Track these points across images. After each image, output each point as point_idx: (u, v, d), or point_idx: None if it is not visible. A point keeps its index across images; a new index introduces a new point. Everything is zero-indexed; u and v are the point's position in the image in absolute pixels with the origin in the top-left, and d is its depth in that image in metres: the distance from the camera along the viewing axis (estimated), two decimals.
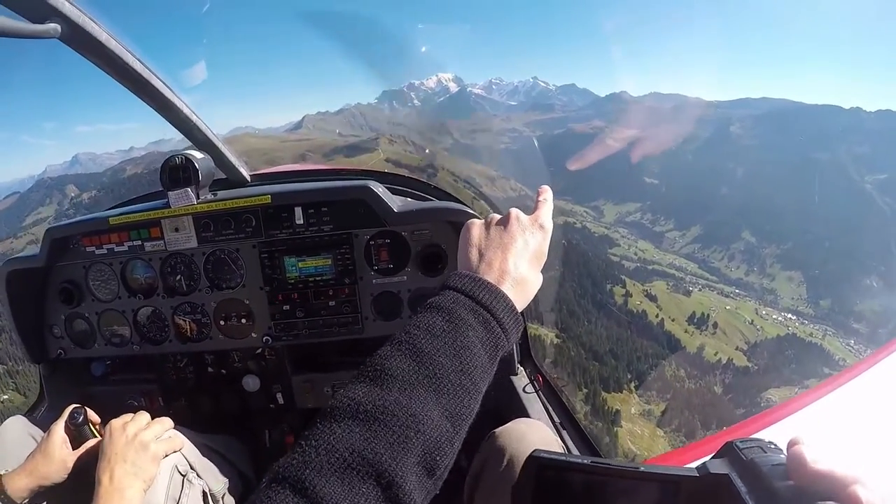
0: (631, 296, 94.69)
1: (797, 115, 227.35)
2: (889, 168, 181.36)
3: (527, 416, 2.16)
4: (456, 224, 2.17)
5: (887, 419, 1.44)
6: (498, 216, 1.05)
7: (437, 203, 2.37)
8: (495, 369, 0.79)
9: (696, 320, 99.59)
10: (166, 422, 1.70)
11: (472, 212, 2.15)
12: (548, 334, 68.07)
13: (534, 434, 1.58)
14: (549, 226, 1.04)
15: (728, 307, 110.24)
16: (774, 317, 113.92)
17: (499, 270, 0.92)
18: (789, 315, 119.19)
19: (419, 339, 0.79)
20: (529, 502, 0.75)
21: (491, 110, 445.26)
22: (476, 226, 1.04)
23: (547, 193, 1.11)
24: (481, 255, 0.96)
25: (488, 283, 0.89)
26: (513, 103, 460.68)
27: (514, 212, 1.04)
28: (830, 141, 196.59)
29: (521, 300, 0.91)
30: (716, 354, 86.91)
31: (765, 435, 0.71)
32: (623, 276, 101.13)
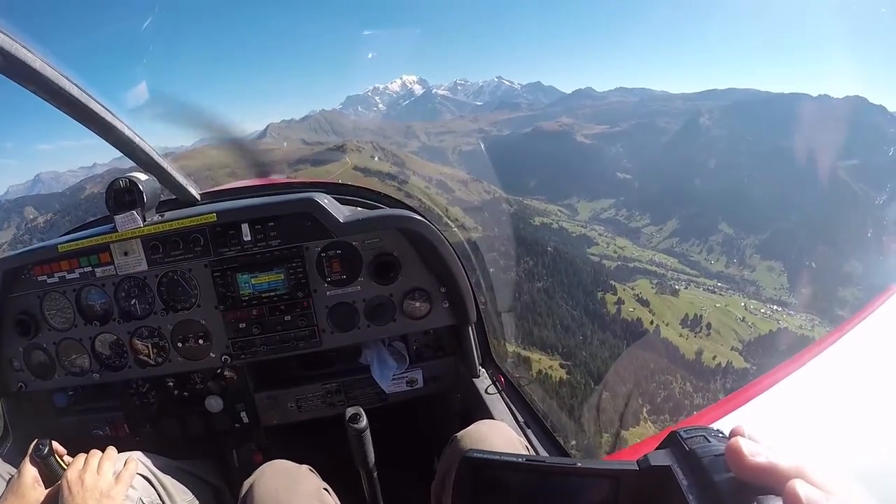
0: (623, 303, 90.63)
1: (765, 104, 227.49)
2: (860, 153, 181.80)
3: (491, 417, 2.21)
4: (406, 231, 2.21)
5: (844, 398, 1.45)
6: None
7: (385, 211, 2.44)
8: None
9: (689, 322, 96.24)
10: (112, 453, 1.69)
11: (420, 218, 2.15)
12: (552, 364, 63.14)
13: (496, 435, 1.58)
14: None
15: (718, 305, 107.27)
16: (763, 311, 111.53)
17: None
18: (774, 306, 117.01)
19: None
20: (469, 502, 0.72)
21: (457, 111, 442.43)
22: None
23: None
24: None
25: None
26: (479, 103, 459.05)
27: None
28: (800, 128, 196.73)
29: None
30: (714, 358, 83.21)
31: (726, 423, 0.67)
32: (612, 282, 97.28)
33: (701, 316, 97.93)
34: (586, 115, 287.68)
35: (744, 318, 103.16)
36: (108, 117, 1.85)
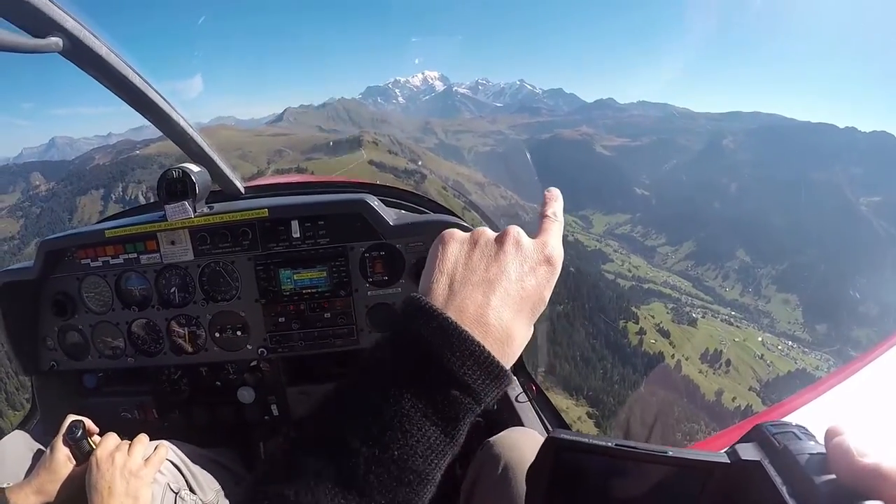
0: (645, 333, 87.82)
1: (791, 131, 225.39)
2: (883, 190, 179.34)
3: (521, 425, 2.23)
4: None
5: None
6: (489, 232, 0.75)
7: (432, 216, 2.44)
8: (463, 437, 0.63)
9: (709, 358, 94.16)
10: (144, 438, 1.73)
11: (467, 225, 2.13)
12: (580, 415, 59.87)
13: (528, 442, 1.57)
14: (560, 259, 0.73)
15: (736, 339, 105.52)
16: (779, 347, 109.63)
17: (473, 319, 0.64)
18: (789, 342, 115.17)
19: (331, 417, 0.62)
20: (546, 486, 0.69)
21: (476, 111, 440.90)
22: (455, 242, 0.73)
23: (556, 204, 0.80)
24: (452, 289, 0.68)
25: (451, 325, 0.62)
26: (499, 105, 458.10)
27: (514, 232, 0.73)
28: (825, 160, 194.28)
29: (500, 358, 0.63)
30: (734, 400, 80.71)
31: (793, 419, 0.65)
32: (633, 309, 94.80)
33: (721, 351, 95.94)
34: (607, 126, 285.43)
35: (762, 355, 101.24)
36: (166, 108, 1.91)
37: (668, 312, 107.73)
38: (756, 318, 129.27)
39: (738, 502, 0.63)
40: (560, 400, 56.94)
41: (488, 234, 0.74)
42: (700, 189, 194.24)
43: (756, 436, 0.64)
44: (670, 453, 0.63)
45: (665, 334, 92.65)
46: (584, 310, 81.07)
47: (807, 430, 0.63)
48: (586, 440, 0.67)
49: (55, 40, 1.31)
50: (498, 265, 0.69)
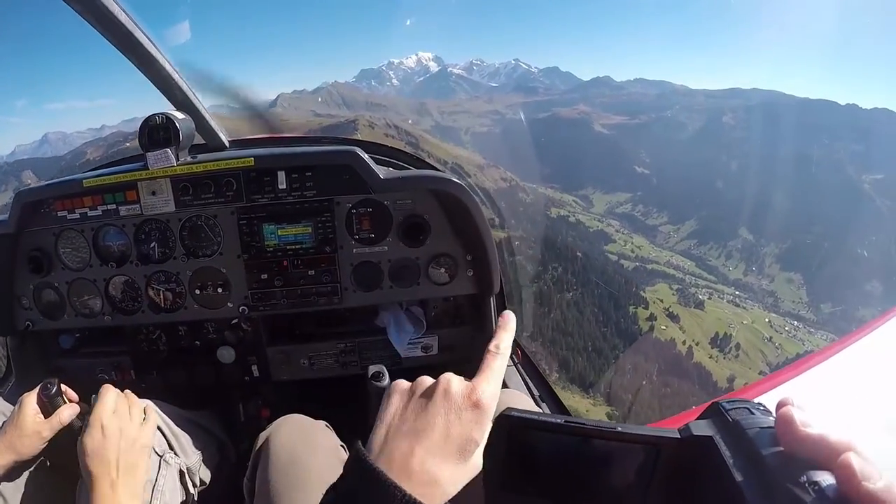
0: (656, 319, 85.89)
1: (791, 108, 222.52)
2: (886, 168, 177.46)
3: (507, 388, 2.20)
4: (439, 193, 2.17)
5: (880, 387, 1.43)
6: (427, 381, 0.81)
7: (422, 171, 2.41)
8: None
9: (718, 342, 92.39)
10: (135, 398, 1.66)
11: (459, 182, 2.14)
12: (600, 416, 56.87)
13: (517, 404, 1.49)
14: (490, 401, 0.76)
15: (745, 321, 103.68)
16: (786, 328, 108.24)
17: (399, 468, 0.70)
18: (794, 322, 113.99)
19: None
20: (502, 463, 0.72)
21: (472, 91, 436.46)
22: (397, 393, 0.81)
23: (503, 335, 0.83)
24: (386, 439, 0.75)
25: (377, 475, 0.68)
26: (494, 85, 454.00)
27: (445, 381, 0.77)
28: (827, 137, 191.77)
29: (424, 501, 0.67)
30: (746, 386, 78.05)
31: (761, 400, 0.65)
32: (642, 293, 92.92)
33: (730, 335, 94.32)
34: (604, 105, 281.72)
35: (770, 337, 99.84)
36: (152, 50, 1.83)
37: (673, 294, 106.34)
38: (760, 297, 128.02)
39: (690, 478, 0.64)
40: (578, 400, 54.92)
41: (425, 383, 0.80)
42: (701, 167, 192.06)
43: (712, 412, 0.66)
44: (620, 429, 0.66)
45: (675, 318, 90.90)
46: (594, 296, 79.13)
47: (764, 406, 0.64)
48: (537, 417, 0.71)
49: None
50: (426, 416, 0.74)
